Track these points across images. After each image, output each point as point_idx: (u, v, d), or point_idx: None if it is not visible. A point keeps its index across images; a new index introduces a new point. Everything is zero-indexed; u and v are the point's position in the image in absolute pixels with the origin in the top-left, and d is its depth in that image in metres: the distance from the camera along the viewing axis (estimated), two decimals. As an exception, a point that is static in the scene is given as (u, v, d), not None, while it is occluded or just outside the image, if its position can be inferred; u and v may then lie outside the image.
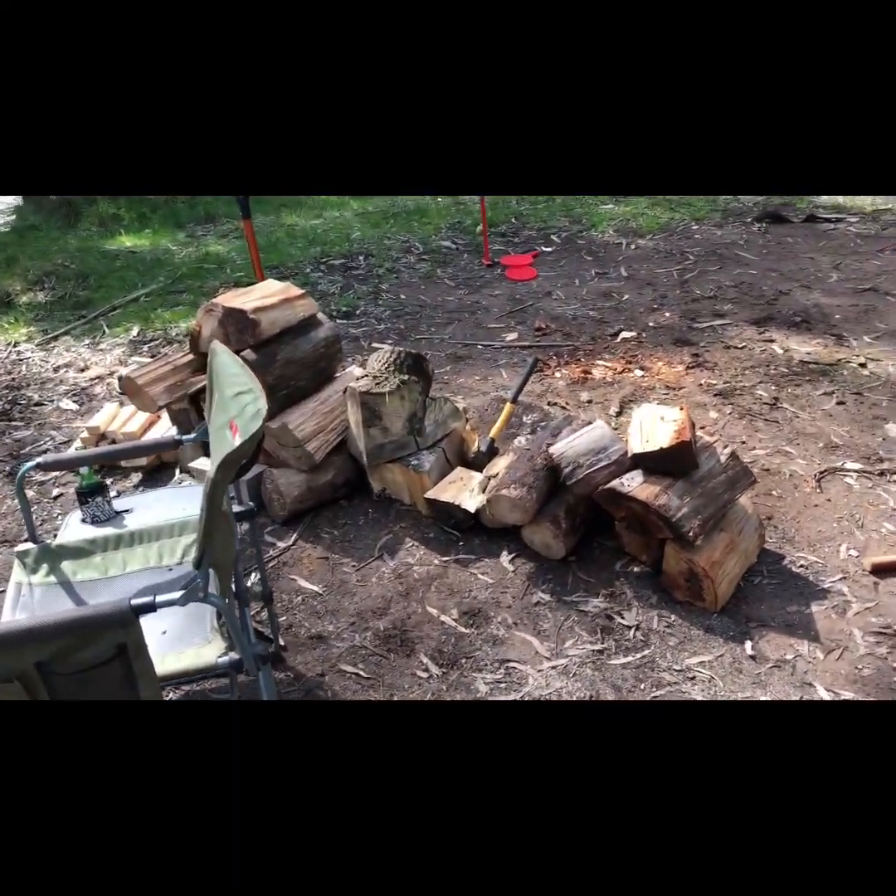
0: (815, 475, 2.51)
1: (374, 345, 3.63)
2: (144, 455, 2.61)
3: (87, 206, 7.89)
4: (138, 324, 4.09)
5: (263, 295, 2.50)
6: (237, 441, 1.31)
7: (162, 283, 4.72)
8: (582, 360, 3.35)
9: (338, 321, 3.91)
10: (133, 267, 5.30)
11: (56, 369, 3.69)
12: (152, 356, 3.66)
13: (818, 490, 2.45)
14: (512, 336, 3.65)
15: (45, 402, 3.38)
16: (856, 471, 2.52)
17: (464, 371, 3.34)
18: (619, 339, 3.52)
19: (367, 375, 2.40)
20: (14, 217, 8.46)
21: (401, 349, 2.49)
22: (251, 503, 1.75)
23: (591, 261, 4.52)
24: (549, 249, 4.76)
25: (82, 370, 3.66)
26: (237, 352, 2.40)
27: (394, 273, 4.53)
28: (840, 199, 5.09)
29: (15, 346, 4.00)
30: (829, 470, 2.53)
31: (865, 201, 4.97)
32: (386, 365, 2.43)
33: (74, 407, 3.31)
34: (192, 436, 1.76)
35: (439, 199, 6.52)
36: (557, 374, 3.24)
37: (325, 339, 2.61)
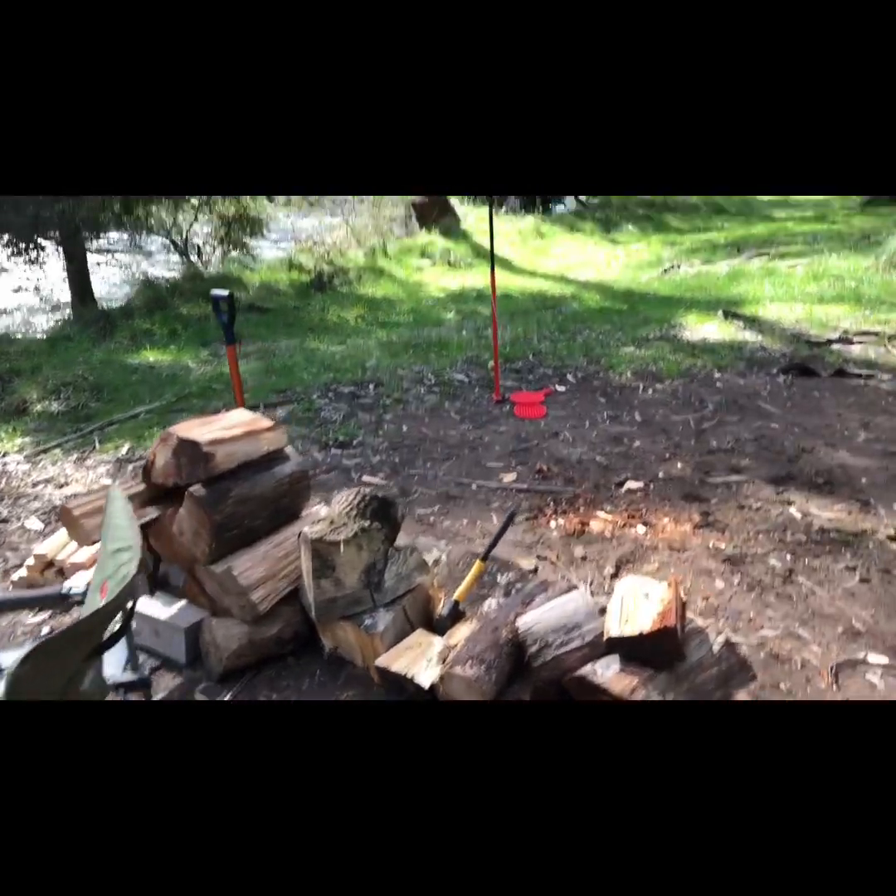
0: (832, 667, 2.17)
1: (365, 479, 3.44)
2: (27, 608, 2.39)
3: (123, 320, 8.10)
4: (130, 441, 3.98)
5: (227, 425, 2.33)
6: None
7: (168, 400, 4.66)
8: (581, 509, 3.10)
9: (333, 451, 3.74)
10: (147, 381, 5.28)
11: (35, 484, 3.55)
12: (134, 477, 3.50)
13: (834, 686, 2.11)
14: (510, 477, 3.42)
15: (12, 519, 3.21)
16: (880, 665, 2.17)
17: (453, 512, 3.11)
18: (624, 490, 3.27)
19: (324, 519, 2.18)
20: (53, 326, 8.73)
21: (368, 492, 2.27)
22: (146, 673, 1.50)
23: (605, 403, 4.35)
24: (562, 389, 4.62)
25: (61, 486, 3.52)
26: (187, 486, 2.21)
27: (400, 403, 4.41)
28: (872, 354, 4.90)
29: (3, 456, 3.90)
30: (848, 662, 2.19)
31: (898, 358, 4.78)
32: (348, 509, 2.21)
33: (39, 526, 3.14)
34: (78, 591, 1.53)
35: (463, 332, 6.51)
36: (552, 524, 2.98)
37: (290, 475, 2.41)
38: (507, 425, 4.06)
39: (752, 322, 5.82)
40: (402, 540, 2.50)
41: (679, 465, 3.50)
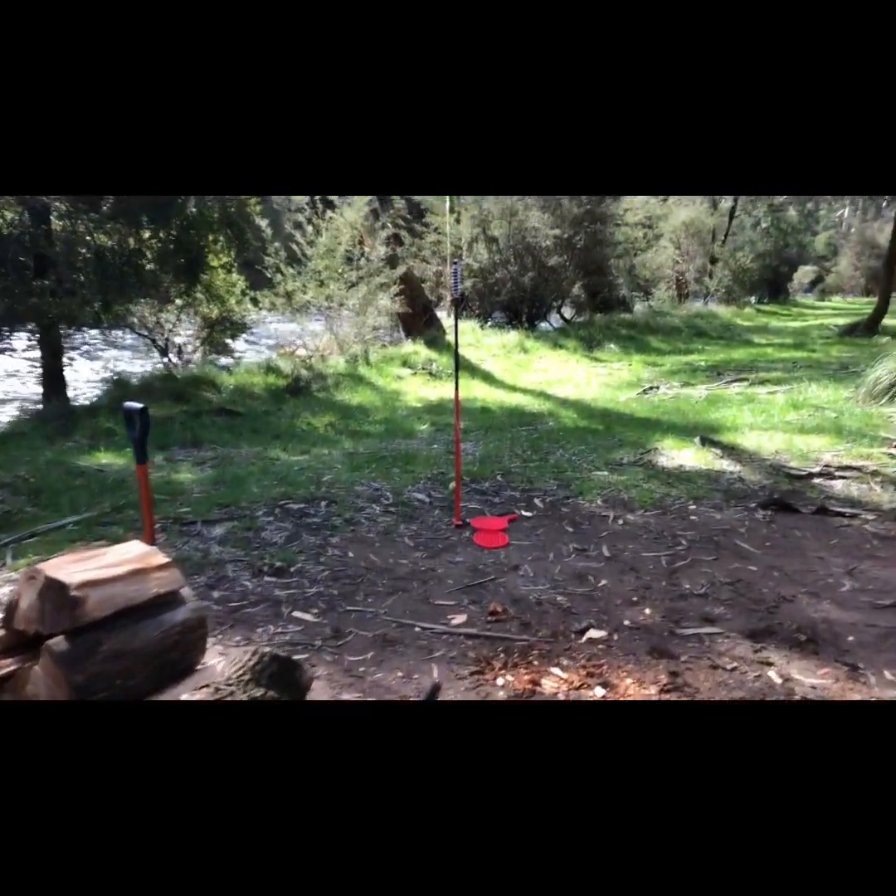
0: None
1: (295, 614, 3.07)
2: None
3: (87, 418, 7.83)
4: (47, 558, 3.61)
5: (109, 562, 1.99)
6: None
7: (103, 510, 4.31)
8: (534, 662, 2.73)
9: (266, 579, 3.38)
10: (91, 487, 4.95)
11: (-74, 603, 3.16)
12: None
13: None
14: (459, 619, 3.07)
15: None
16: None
17: (388, 661, 2.73)
18: (584, 639, 2.92)
19: (207, 686, 1.82)
20: (12, 419, 8.45)
21: (268, 652, 1.92)
22: None
23: (572, 533, 4.04)
24: (528, 514, 4.32)
25: (-46, 607, 3.12)
26: (50, 636, 1.86)
27: (351, 525, 4.08)
28: (855, 492, 4.66)
29: None
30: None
31: (883, 497, 4.53)
32: (239, 672, 1.85)
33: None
34: None
35: (434, 446, 6.27)
36: (499, 681, 2.61)
37: (182, 622, 2.05)
38: (465, 554, 3.73)
39: (731, 451, 5.61)
40: (322, 695, 2.12)
41: (647, 611, 3.16)
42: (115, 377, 9.41)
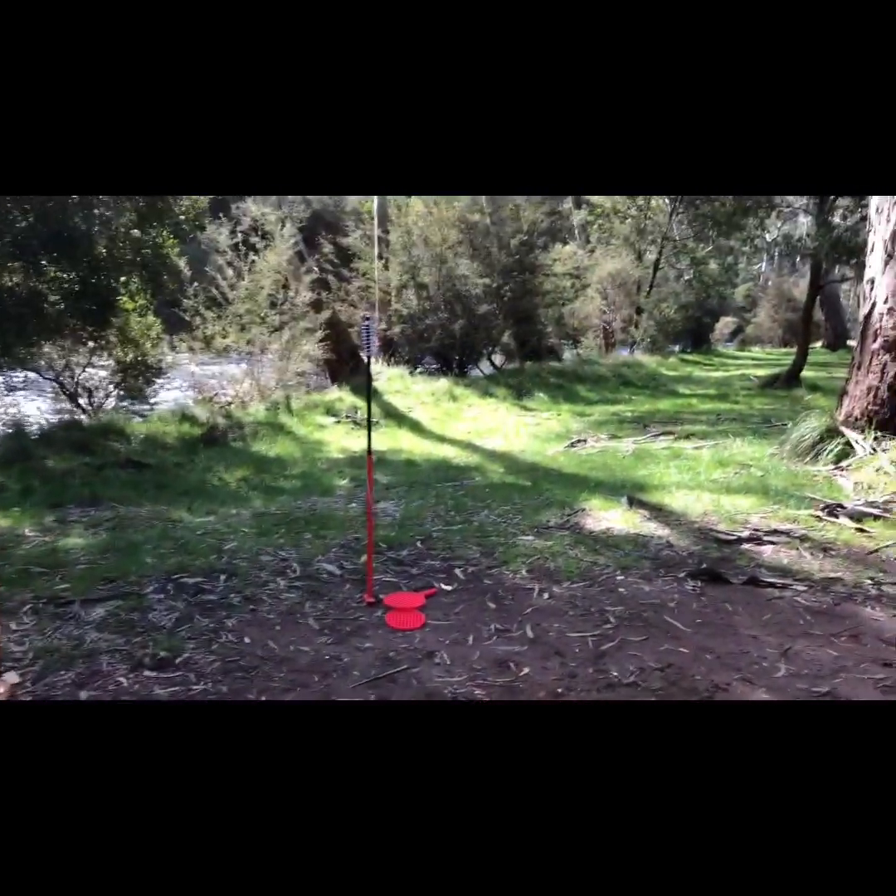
0: None
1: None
2: None
3: (-23, 470, 7.20)
4: None
5: None
6: None
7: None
8: (446, 778, 2.39)
9: (145, 673, 2.96)
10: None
11: None
12: None
13: None
14: (364, 722, 2.71)
15: None
16: None
17: (277, 782, 2.35)
18: (503, 744, 2.60)
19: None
20: None
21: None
22: None
23: (495, 610, 3.74)
24: (448, 588, 4.01)
25: None
26: None
27: (251, 603, 3.69)
28: (785, 559, 4.51)
29: None
30: None
31: (813, 566, 4.39)
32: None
33: None
34: None
35: (352, 504, 5.94)
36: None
37: None
38: (375, 639, 3.39)
39: (658, 512, 5.44)
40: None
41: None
42: (11, 427, 8.75)
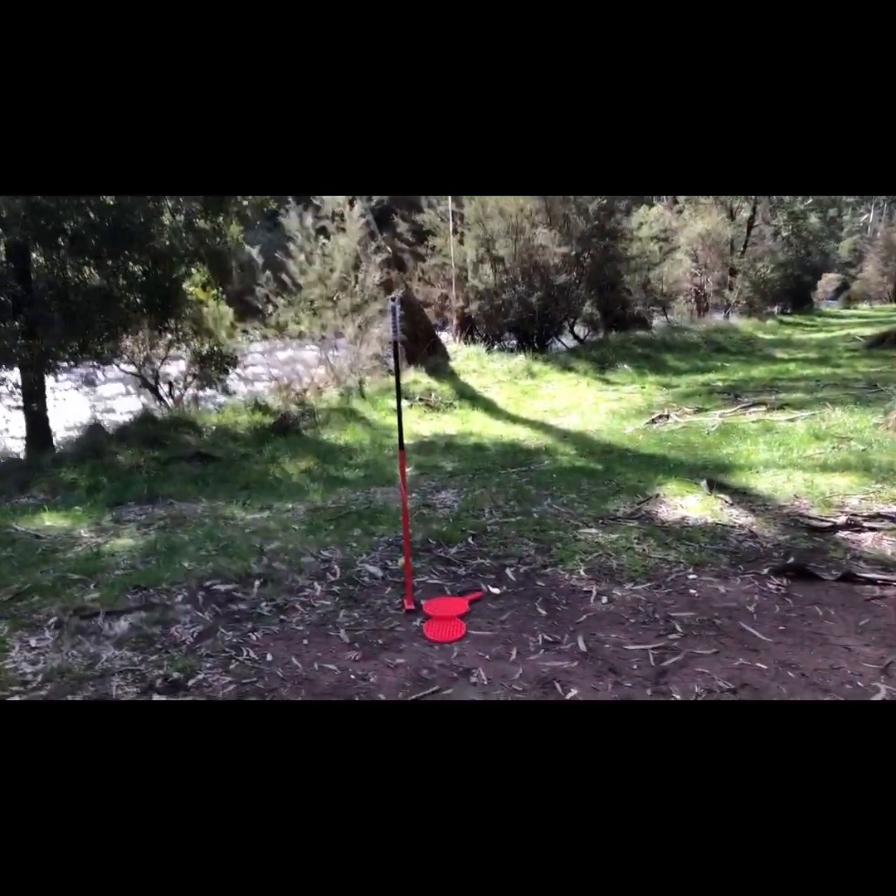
0: None
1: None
2: None
3: (52, 469, 7.32)
4: None
5: None
6: None
7: (1, 597, 3.74)
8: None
9: (155, 696, 2.76)
10: (13, 559, 4.39)
11: None
12: None
13: None
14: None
15: None
16: None
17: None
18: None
19: None
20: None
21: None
22: None
23: (544, 617, 3.37)
24: (496, 591, 3.66)
25: None
26: None
27: (281, 612, 3.45)
28: (888, 549, 3.94)
29: None
30: None
31: (922, 559, 3.80)
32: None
33: None
34: None
35: (411, 495, 5.65)
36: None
37: None
38: (409, 653, 3.08)
39: (742, 496, 4.91)
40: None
41: (623, 737, 2.49)
42: (92, 422, 8.90)
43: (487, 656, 3.04)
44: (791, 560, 3.83)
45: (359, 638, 3.21)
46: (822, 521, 4.38)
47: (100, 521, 5.30)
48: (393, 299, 3.24)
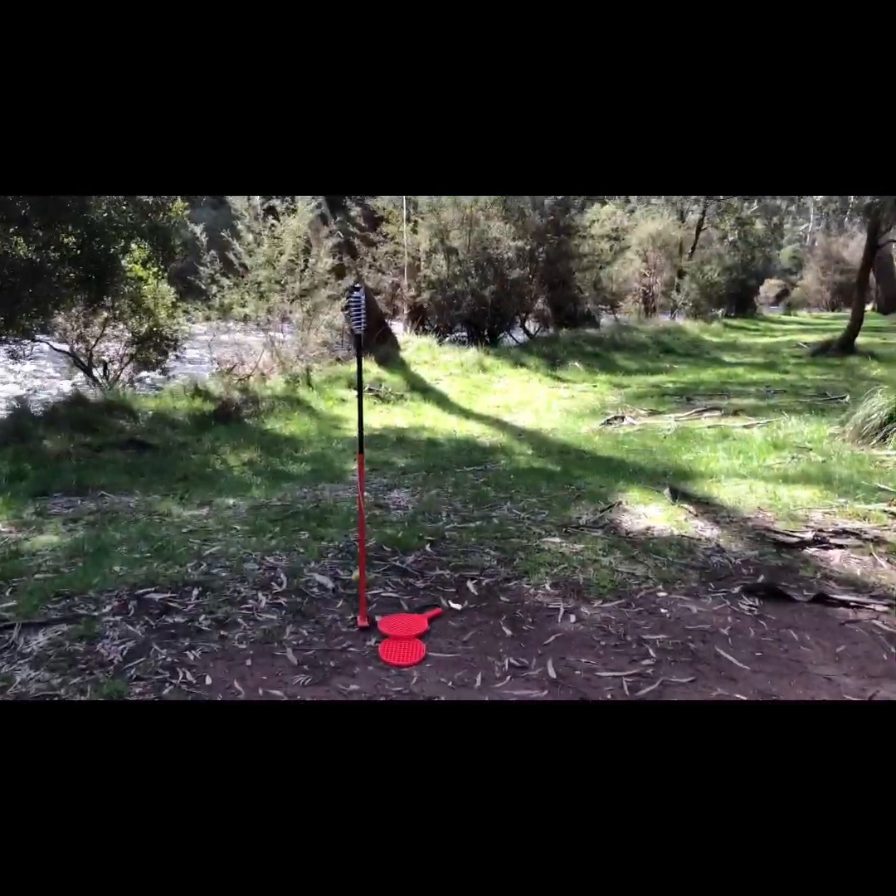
0: None
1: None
2: None
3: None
4: None
5: None
6: None
7: None
8: None
9: (76, 729, 2.43)
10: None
11: None
12: None
13: None
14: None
15: None
16: None
17: None
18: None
19: None
20: None
21: None
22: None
23: (510, 638, 3.14)
24: (457, 607, 3.41)
25: None
26: None
27: (222, 627, 3.13)
28: (857, 568, 3.83)
29: None
30: None
31: (893, 577, 3.70)
32: None
33: None
34: None
35: (367, 495, 5.34)
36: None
37: None
38: (363, 679, 2.81)
39: (705, 506, 4.77)
40: None
41: (601, 781, 2.27)
42: (15, 403, 8.28)
43: (450, 683, 2.79)
44: (762, 578, 3.68)
45: (308, 659, 2.92)
46: (790, 536, 4.26)
47: (21, 513, 4.86)
48: (357, 288, 2.94)
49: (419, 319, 15.40)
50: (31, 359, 10.79)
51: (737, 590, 3.58)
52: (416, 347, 13.36)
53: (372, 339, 12.98)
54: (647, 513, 4.67)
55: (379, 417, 8.93)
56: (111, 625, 3.08)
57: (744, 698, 1.77)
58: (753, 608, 3.42)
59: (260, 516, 4.67)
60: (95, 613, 3.16)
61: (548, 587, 3.60)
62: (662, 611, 3.37)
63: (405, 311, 15.55)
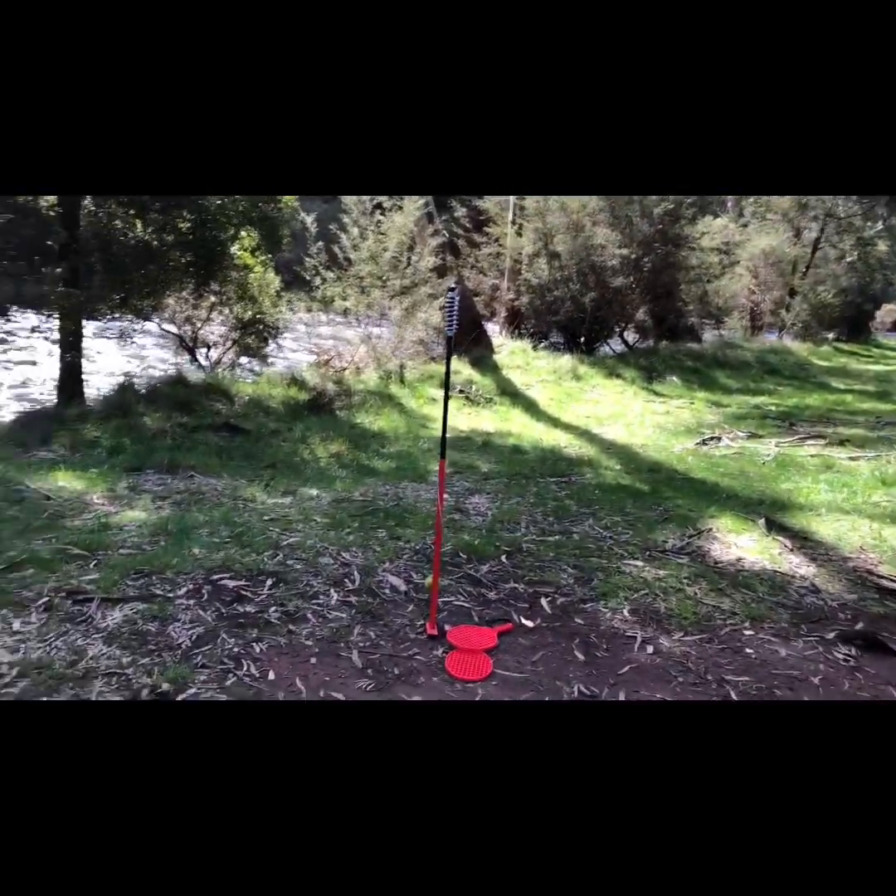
0: None
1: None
2: None
3: (75, 423, 7.08)
4: None
5: None
6: None
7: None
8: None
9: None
10: (19, 520, 4.13)
11: None
12: None
13: None
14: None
15: None
16: None
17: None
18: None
19: None
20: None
21: None
22: None
23: (581, 664, 3.01)
24: (529, 624, 3.30)
25: None
26: None
27: (291, 620, 3.13)
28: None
29: None
30: None
31: None
32: None
33: None
34: None
35: (444, 496, 5.29)
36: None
37: None
38: (426, 689, 2.74)
39: (803, 541, 4.49)
40: None
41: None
42: (123, 381, 8.63)
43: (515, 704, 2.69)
44: (860, 626, 3.42)
45: (372, 663, 2.88)
46: (894, 581, 3.95)
47: (114, 487, 5.03)
48: (452, 289, 2.88)
49: (516, 323, 15.26)
50: (141, 335, 11.29)
51: (832, 636, 3.33)
52: (510, 351, 13.25)
53: (467, 340, 12.95)
54: (739, 543, 4.43)
55: (466, 420, 8.88)
56: (184, 608, 3.12)
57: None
58: (849, 658, 3.17)
59: (340, 510, 4.68)
60: (170, 595, 3.22)
61: (626, 613, 3.44)
62: (748, 650, 3.17)
63: (503, 314, 15.45)
